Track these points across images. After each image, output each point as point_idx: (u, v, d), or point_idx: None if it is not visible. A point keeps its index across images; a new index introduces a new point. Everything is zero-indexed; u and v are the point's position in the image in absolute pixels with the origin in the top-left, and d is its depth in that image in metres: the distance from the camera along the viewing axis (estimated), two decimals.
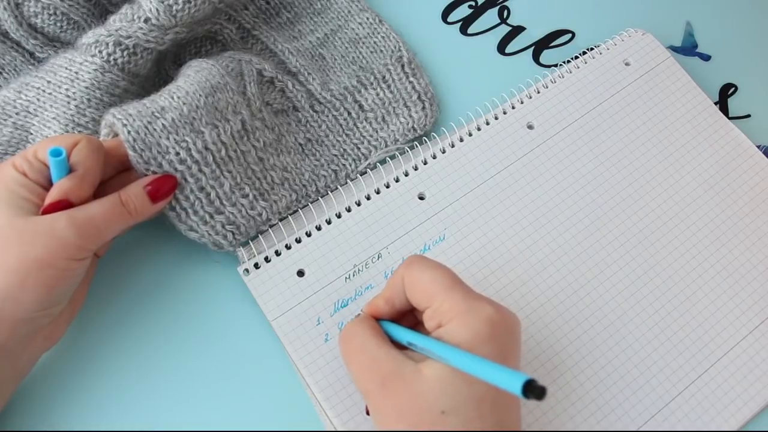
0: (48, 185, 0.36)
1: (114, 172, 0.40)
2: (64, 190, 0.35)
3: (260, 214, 0.43)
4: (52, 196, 0.35)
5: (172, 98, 0.40)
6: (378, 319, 0.37)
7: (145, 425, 0.39)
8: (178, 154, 0.39)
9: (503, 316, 0.33)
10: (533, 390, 0.27)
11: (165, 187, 0.39)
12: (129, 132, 0.38)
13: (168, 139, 0.39)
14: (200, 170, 0.40)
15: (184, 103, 0.40)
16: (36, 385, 0.40)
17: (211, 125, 0.40)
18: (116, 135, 0.40)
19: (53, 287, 0.35)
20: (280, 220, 0.44)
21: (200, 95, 0.40)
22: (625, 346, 0.42)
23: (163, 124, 0.39)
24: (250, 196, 0.42)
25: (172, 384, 0.40)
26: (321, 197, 0.45)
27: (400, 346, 0.34)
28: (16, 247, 0.34)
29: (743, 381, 0.42)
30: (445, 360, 0.31)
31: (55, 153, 0.35)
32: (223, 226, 0.42)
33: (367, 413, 0.39)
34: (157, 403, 0.40)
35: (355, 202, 0.45)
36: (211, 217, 0.41)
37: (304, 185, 0.45)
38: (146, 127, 0.39)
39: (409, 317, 0.37)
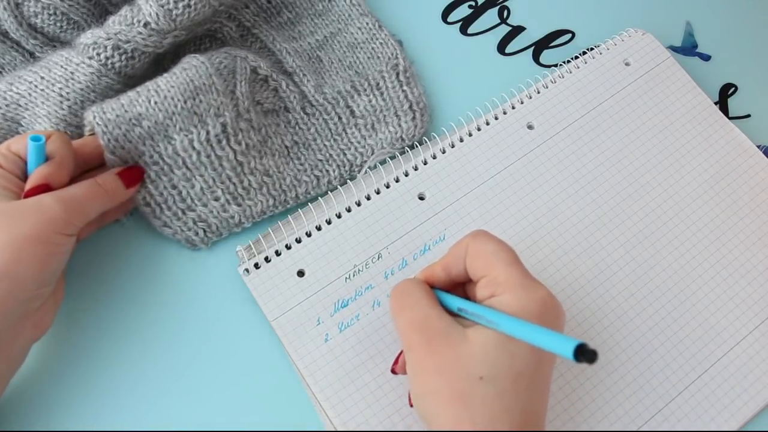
0: (23, 177, 0.38)
1: (79, 172, 0.41)
2: (44, 174, 0.37)
3: (232, 217, 0.43)
4: (33, 181, 0.37)
5: (149, 103, 0.40)
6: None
7: (145, 425, 0.39)
8: (152, 156, 0.41)
9: (555, 302, 0.34)
10: (585, 353, 0.28)
11: (135, 175, 0.41)
12: (109, 140, 0.40)
13: (144, 144, 0.41)
14: (172, 171, 0.42)
15: (159, 110, 0.40)
16: (36, 385, 0.40)
17: (184, 131, 0.41)
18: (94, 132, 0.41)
19: (46, 263, 0.35)
20: (256, 223, 0.44)
21: (178, 100, 0.41)
22: (626, 346, 0.42)
23: (140, 132, 0.40)
24: (222, 200, 0.43)
25: (171, 384, 0.40)
26: (295, 205, 0.45)
27: (449, 314, 0.35)
28: (6, 227, 0.34)
29: (743, 381, 0.42)
30: (494, 325, 0.32)
31: (36, 138, 0.37)
32: (194, 223, 0.43)
33: (393, 372, 0.39)
34: (157, 403, 0.40)
35: (355, 202, 0.45)
36: (183, 213, 0.43)
37: (283, 190, 0.45)
38: (125, 135, 0.40)
39: (458, 292, 0.38)
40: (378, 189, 0.45)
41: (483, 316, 0.33)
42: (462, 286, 0.38)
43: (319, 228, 0.44)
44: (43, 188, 0.37)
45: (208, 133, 0.42)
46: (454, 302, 0.35)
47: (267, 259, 0.42)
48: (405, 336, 0.35)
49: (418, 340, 0.33)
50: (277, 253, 0.43)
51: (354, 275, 0.42)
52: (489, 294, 0.34)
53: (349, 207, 0.44)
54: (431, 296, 0.36)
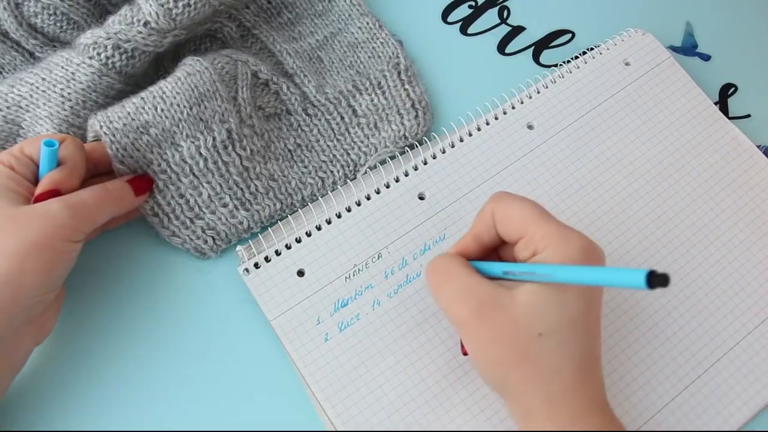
0: (34, 180, 0.37)
1: (88, 176, 0.41)
2: (55, 180, 0.37)
3: (241, 223, 0.43)
4: (43, 186, 0.36)
5: (156, 110, 0.40)
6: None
7: (145, 425, 0.39)
8: (159, 165, 0.41)
9: (594, 245, 0.34)
10: (658, 278, 0.28)
11: (144, 184, 0.41)
12: (117, 149, 0.40)
13: (152, 152, 0.41)
14: (179, 179, 0.42)
15: (166, 117, 0.40)
16: (38, 386, 0.40)
17: (191, 138, 0.41)
18: (99, 138, 0.41)
19: (52, 270, 0.35)
20: (264, 228, 0.44)
21: (184, 107, 0.41)
22: (625, 346, 0.42)
23: (147, 140, 0.40)
24: (230, 206, 0.43)
25: (171, 384, 0.40)
26: (302, 208, 0.45)
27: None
28: (13, 233, 0.34)
29: (743, 381, 0.42)
30: (549, 278, 0.32)
31: (49, 143, 0.36)
32: (203, 231, 0.43)
33: (464, 353, 0.39)
34: (157, 403, 0.40)
35: (355, 202, 0.45)
36: (192, 221, 0.43)
37: (289, 194, 0.45)
38: (133, 144, 0.40)
39: (492, 258, 0.38)
40: (378, 189, 0.45)
41: (536, 272, 0.33)
42: (495, 251, 0.38)
43: (319, 228, 0.44)
44: (53, 193, 0.36)
45: (214, 139, 0.42)
46: (498, 267, 0.35)
47: (267, 259, 0.42)
48: (452, 311, 0.35)
49: (467, 312, 0.34)
50: (277, 253, 0.43)
51: (354, 275, 0.42)
52: (530, 253, 0.34)
53: (349, 207, 0.44)
54: (468, 266, 0.36)
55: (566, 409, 0.32)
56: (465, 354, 0.40)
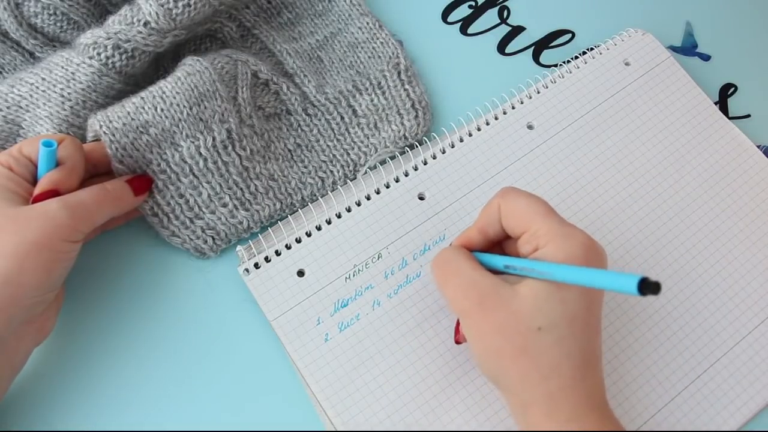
0: (33, 180, 0.37)
1: (87, 177, 0.41)
2: (53, 180, 0.37)
3: (241, 223, 0.43)
4: (42, 186, 0.36)
5: (156, 110, 0.40)
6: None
7: (145, 425, 0.39)
8: (159, 165, 0.41)
9: (595, 244, 0.34)
10: (648, 286, 0.28)
11: (144, 183, 0.41)
12: (117, 149, 0.40)
13: (151, 152, 0.41)
14: (179, 179, 0.42)
15: (166, 117, 0.40)
16: (37, 385, 0.40)
17: (191, 138, 0.41)
18: (99, 138, 0.41)
19: (51, 270, 0.35)
20: (264, 228, 0.44)
21: (184, 106, 0.41)
22: (625, 346, 0.42)
23: (147, 140, 0.40)
24: (230, 206, 0.43)
25: (171, 384, 0.40)
26: (302, 208, 0.45)
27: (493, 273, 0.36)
28: (12, 233, 0.34)
29: (743, 381, 0.42)
30: (547, 275, 0.33)
31: (48, 143, 0.36)
32: (203, 231, 0.43)
33: (456, 342, 0.40)
34: (157, 403, 0.40)
35: (355, 202, 0.45)
36: (191, 221, 0.43)
37: (289, 194, 0.45)
38: (132, 144, 0.40)
39: (495, 251, 0.38)
40: (378, 189, 0.45)
41: (534, 269, 0.33)
42: (499, 245, 0.38)
43: (319, 228, 0.44)
44: (52, 194, 0.36)
45: (214, 139, 0.42)
46: (500, 261, 0.36)
47: (267, 259, 0.42)
48: (456, 303, 0.35)
49: (470, 305, 0.34)
50: (277, 253, 0.43)
51: (354, 275, 0.42)
52: (532, 248, 0.35)
53: (349, 207, 0.44)
54: (473, 260, 0.36)
55: (564, 406, 0.32)
56: (457, 342, 0.40)
